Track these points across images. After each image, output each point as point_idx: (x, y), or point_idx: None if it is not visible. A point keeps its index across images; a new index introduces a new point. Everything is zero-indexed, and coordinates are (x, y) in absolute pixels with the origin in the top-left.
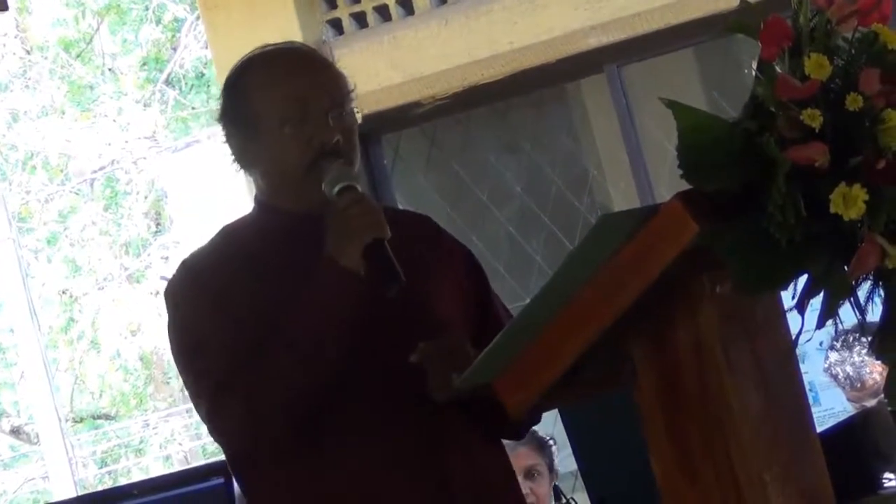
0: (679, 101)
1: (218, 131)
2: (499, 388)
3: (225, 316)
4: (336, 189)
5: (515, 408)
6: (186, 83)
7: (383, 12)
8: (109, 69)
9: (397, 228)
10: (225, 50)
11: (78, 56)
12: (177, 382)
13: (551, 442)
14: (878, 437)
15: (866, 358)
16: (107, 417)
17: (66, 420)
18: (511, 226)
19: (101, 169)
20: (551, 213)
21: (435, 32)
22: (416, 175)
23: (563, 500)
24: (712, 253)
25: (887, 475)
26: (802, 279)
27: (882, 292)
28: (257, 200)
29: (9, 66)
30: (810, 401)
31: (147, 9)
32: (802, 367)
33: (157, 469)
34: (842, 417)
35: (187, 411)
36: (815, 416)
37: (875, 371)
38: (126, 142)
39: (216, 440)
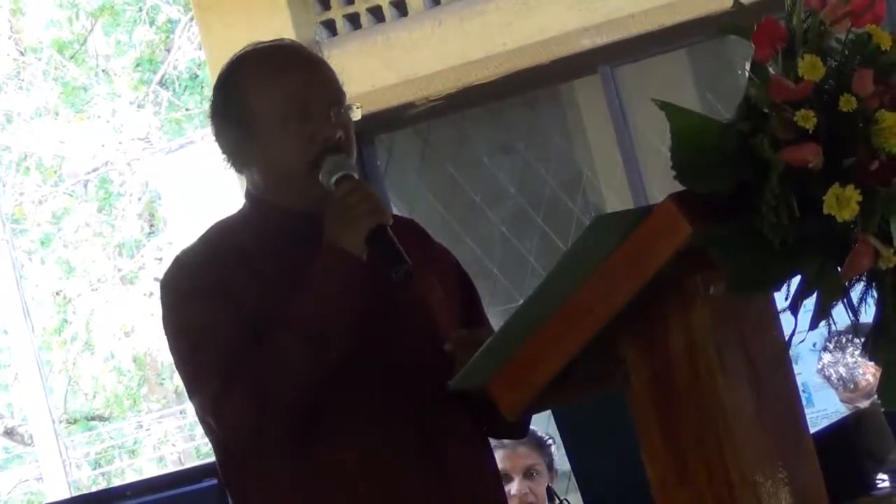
0: (672, 102)
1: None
2: (492, 389)
3: (223, 309)
4: (334, 179)
5: (509, 409)
6: (180, 84)
7: (377, 13)
8: (103, 70)
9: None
10: (219, 51)
11: (72, 57)
12: (171, 384)
13: (550, 441)
14: (871, 438)
15: (859, 359)
16: (100, 419)
17: (60, 421)
18: (505, 226)
19: (94, 170)
20: (545, 214)
21: (428, 33)
22: (410, 176)
23: (557, 501)
24: (706, 254)
25: (880, 476)
26: (795, 280)
27: (875, 293)
28: (250, 197)
29: (2, 68)
30: (803, 402)
31: (141, 10)
32: (796, 368)
33: (151, 470)
34: (835, 418)
35: (181, 412)
36: (808, 417)
37: (868, 372)
38: (120, 143)
39: (218, 433)
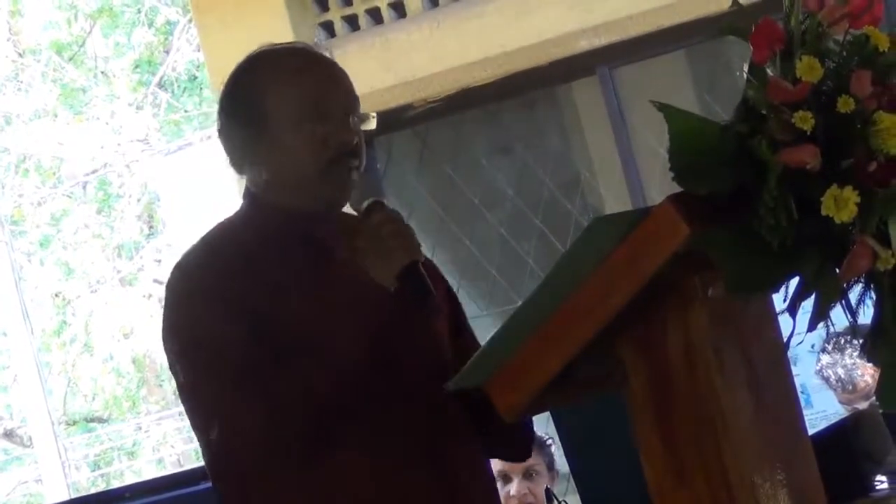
0: (671, 103)
1: (211, 133)
2: (490, 390)
3: (235, 316)
4: (365, 204)
5: (507, 410)
6: (179, 86)
7: (375, 15)
8: (102, 72)
9: None
10: (217, 53)
11: (70, 59)
12: (169, 385)
13: (549, 441)
14: (870, 440)
15: (858, 360)
16: (99, 420)
17: (59, 423)
18: (503, 228)
19: (93, 172)
20: (543, 215)
21: (427, 35)
22: (409, 177)
23: (556, 503)
24: (704, 255)
25: (878, 477)
26: (794, 281)
27: (873, 295)
28: (251, 197)
29: (1, 69)
30: (802, 403)
31: (139, 12)
32: (794, 370)
33: (150, 472)
34: (834, 420)
35: (180, 414)
36: (807, 418)
37: (867, 374)
38: (119, 145)
39: (228, 441)
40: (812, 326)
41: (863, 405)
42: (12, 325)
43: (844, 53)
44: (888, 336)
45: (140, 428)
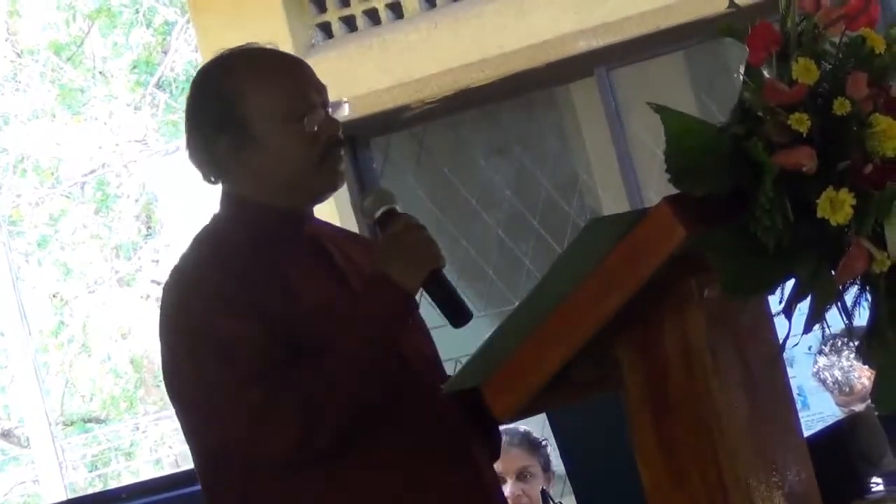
0: (668, 104)
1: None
2: (487, 391)
3: (245, 314)
4: (381, 211)
5: (504, 411)
6: (177, 86)
7: (372, 16)
8: (100, 72)
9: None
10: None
11: (68, 59)
12: None
13: (545, 442)
14: (866, 442)
15: (855, 362)
16: (97, 421)
17: (57, 423)
18: (500, 229)
19: (91, 172)
20: (541, 217)
21: (424, 36)
22: (406, 178)
23: None
24: (700, 257)
25: (874, 479)
26: (790, 283)
27: (869, 297)
28: (236, 198)
29: None
30: (799, 405)
31: (138, 12)
32: (791, 372)
33: (148, 472)
34: (831, 422)
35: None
36: (804, 420)
37: (864, 376)
38: (117, 145)
39: (255, 446)
40: (808, 328)
41: (859, 407)
42: (10, 326)
43: (841, 55)
44: (884, 338)
45: (137, 428)
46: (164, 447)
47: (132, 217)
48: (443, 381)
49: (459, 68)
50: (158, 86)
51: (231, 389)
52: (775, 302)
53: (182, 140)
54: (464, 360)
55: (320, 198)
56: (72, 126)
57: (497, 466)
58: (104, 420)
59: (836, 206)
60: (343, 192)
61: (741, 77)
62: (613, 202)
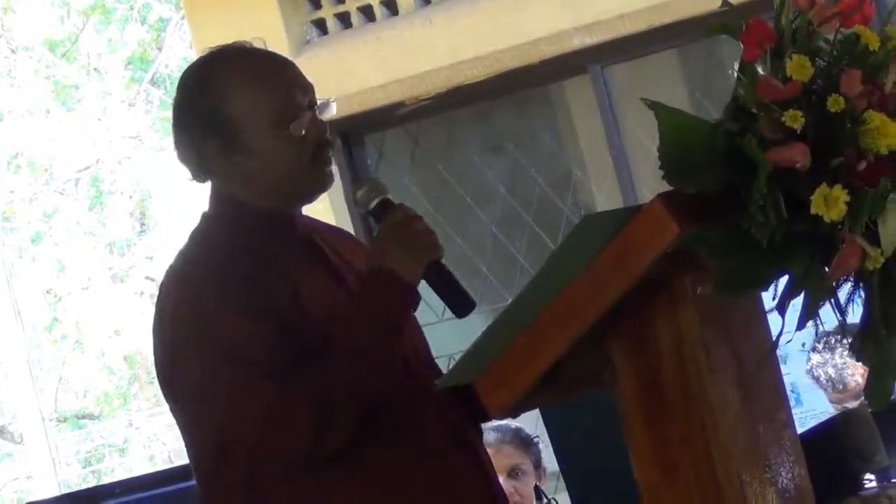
0: (662, 101)
1: None
2: (481, 388)
3: (253, 313)
4: (375, 203)
5: (497, 407)
6: (171, 83)
7: (367, 12)
8: (94, 69)
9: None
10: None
11: (63, 56)
12: None
13: (536, 439)
14: (859, 438)
15: (848, 360)
16: (91, 417)
17: (50, 420)
18: (494, 226)
19: (85, 168)
20: (535, 214)
21: (419, 33)
22: (400, 175)
23: (545, 501)
24: (694, 254)
25: (867, 476)
26: (783, 280)
27: (862, 294)
28: (226, 198)
29: None
30: (793, 402)
31: (132, 8)
32: (785, 369)
33: (141, 468)
34: (824, 419)
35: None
36: (797, 417)
37: (857, 373)
38: (111, 141)
39: (268, 444)
40: (801, 325)
41: (853, 404)
42: (3, 322)
43: (835, 52)
44: (877, 335)
45: (131, 425)
46: (157, 443)
47: (126, 213)
48: (437, 377)
49: (454, 65)
50: (153, 82)
51: (241, 390)
52: (769, 299)
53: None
54: (457, 357)
55: (310, 198)
56: (66, 122)
57: None
58: (98, 416)
59: (830, 203)
60: (337, 189)
61: (735, 74)
62: (607, 199)
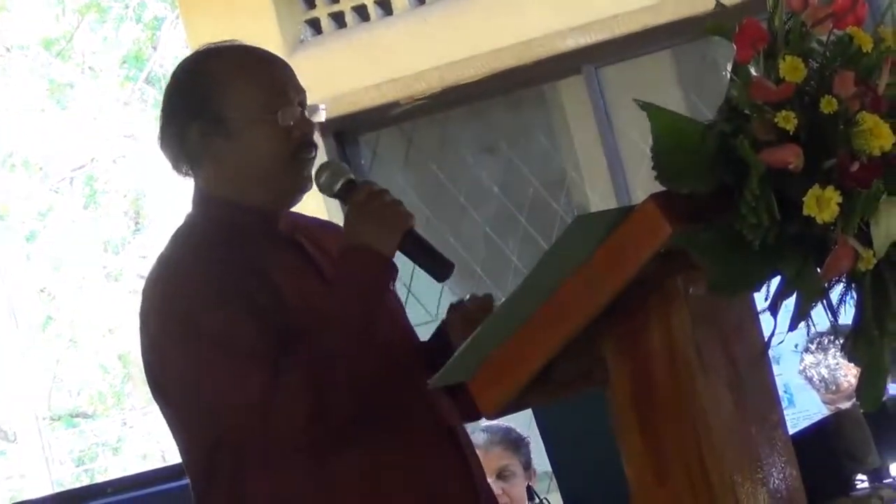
0: (656, 102)
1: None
2: (473, 387)
3: (239, 306)
4: (339, 184)
5: (489, 407)
6: (166, 82)
7: (362, 12)
8: (89, 67)
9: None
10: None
11: (58, 54)
12: None
13: (527, 440)
14: (851, 439)
15: (841, 360)
16: (84, 416)
17: (44, 418)
18: (488, 226)
19: (80, 167)
20: (528, 214)
21: (413, 33)
22: (394, 175)
23: (537, 501)
24: (686, 254)
25: (859, 477)
26: (775, 281)
27: (854, 295)
28: (206, 196)
29: None
30: (785, 403)
31: (127, 7)
32: (778, 369)
33: (135, 467)
34: (816, 420)
35: None
36: (790, 418)
37: (850, 374)
38: (106, 140)
39: (265, 431)
40: (793, 326)
41: (846, 405)
42: None
43: (828, 54)
44: (869, 336)
45: (125, 424)
46: (151, 442)
47: (121, 212)
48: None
49: (448, 65)
50: (148, 81)
51: (233, 378)
52: (761, 299)
53: None
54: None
55: (288, 198)
56: (61, 121)
57: None
58: (91, 415)
59: (823, 204)
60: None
61: (728, 75)
62: (601, 200)
